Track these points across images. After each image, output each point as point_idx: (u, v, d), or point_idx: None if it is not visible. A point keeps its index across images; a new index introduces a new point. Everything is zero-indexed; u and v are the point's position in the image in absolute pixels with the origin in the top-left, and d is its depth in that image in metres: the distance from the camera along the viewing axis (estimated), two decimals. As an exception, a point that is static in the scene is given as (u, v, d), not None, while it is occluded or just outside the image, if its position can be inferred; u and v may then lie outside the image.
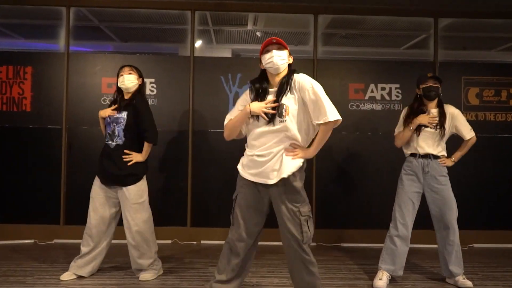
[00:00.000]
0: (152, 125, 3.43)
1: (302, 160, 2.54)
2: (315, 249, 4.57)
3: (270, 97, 2.60)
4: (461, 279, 3.39)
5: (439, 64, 4.91)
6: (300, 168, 2.54)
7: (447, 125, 3.51)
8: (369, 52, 6.59)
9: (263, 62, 2.63)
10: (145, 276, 3.34)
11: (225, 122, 2.75)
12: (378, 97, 4.87)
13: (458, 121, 3.55)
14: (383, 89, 4.88)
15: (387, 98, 4.87)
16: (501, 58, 6.25)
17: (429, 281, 3.53)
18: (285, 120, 2.51)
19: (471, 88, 4.92)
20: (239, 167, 2.69)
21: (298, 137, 2.54)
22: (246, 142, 2.80)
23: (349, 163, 4.84)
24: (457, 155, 3.61)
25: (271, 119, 2.53)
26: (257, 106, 2.56)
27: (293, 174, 2.50)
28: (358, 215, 4.83)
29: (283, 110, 2.51)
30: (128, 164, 3.32)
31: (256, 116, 2.58)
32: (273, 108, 2.53)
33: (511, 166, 4.88)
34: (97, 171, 3.46)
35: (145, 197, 3.42)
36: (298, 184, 2.52)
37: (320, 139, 2.56)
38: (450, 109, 3.57)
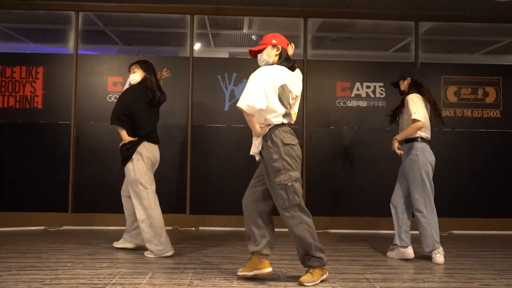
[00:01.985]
0: (114, 108, 3.68)
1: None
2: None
3: None
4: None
5: (419, 64, 5.30)
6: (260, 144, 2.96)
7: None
8: (358, 55, 6.98)
9: None
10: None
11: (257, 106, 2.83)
12: (364, 95, 5.26)
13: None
14: (368, 87, 5.27)
15: (372, 95, 5.26)
16: (485, 61, 6.63)
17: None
18: None
19: (449, 86, 5.31)
20: None
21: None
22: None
23: (337, 155, 5.22)
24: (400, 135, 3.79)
25: None
26: None
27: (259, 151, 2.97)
28: (346, 203, 5.20)
29: None
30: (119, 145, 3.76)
31: None
32: None
33: (487, 158, 5.25)
34: None
35: (137, 176, 3.65)
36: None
37: None
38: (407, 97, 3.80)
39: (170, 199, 5.08)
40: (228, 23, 5.81)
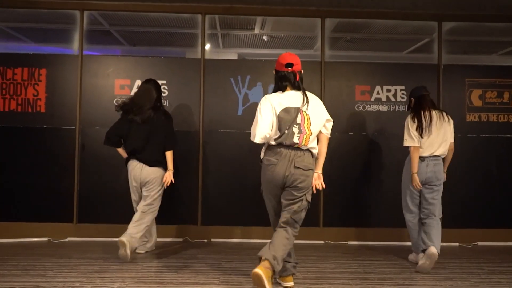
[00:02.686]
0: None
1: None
2: (323, 246, 4.68)
3: None
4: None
5: (443, 66, 5.04)
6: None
7: None
8: (373, 56, 6.74)
9: None
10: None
11: None
12: (384, 99, 5.00)
13: None
14: (388, 90, 5.01)
15: (393, 99, 5.00)
16: (503, 62, 6.39)
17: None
18: None
19: (474, 90, 5.04)
20: None
21: None
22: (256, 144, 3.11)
23: (356, 163, 4.96)
24: None
25: None
26: None
27: None
28: (365, 213, 4.93)
29: None
30: None
31: None
32: None
33: (514, 166, 5.00)
34: None
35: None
36: None
37: None
38: None
39: (181, 209, 4.81)
40: (239, 23, 5.54)
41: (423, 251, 3.73)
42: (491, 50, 6.49)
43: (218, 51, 6.76)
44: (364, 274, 3.61)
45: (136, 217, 3.87)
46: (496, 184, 4.99)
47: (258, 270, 2.72)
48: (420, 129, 3.85)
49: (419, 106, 3.93)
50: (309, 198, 3.06)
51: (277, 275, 3.16)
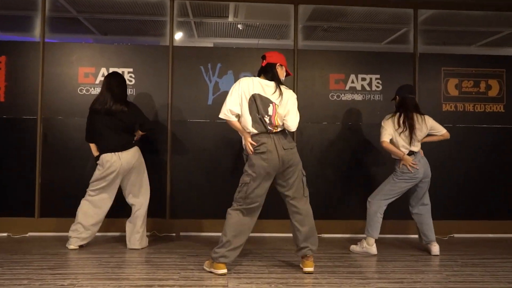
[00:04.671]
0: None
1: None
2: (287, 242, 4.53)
3: None
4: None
5: (418, 55, 4.92)
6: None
7: None
8: (351, 46, 6.60)
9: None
10: None
11: None
12: (359, 88, 4.86)
13: None
14: (363, 79, 4.87)
15: (368, 88, 4.86)
16: (485, 52, 6.30)
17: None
18: None
19: (450, 79, 4.94)
20: None
21: None
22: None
23: (330, 154, 4.82)
24: None
25: None
26: None
27: None
28: (340, 205, 4.80)
29: None
30: None
31: None
32: None
33: (490, 156, 4.91)
34: None
35: None
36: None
37: None
38: None
39: (149, 202, 4.62)
40: (212, 10, 5.36)
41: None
42: (470, 42, 6.41)
43: (194, 41, 6.56)
44: (334, 267, 3.47)
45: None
46: (472, 176, 4.89)
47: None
48: (397, 131, 3.94)
49: (402, 108, 3.96)
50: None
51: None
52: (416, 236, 4.23)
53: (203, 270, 3.27)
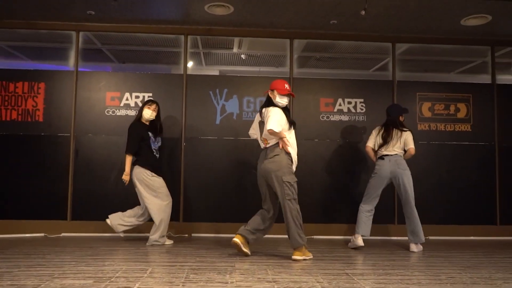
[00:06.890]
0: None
1: None
2: (286, 241, 5.25)
3: None
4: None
5: (397, 82, 5.74)
6: None
7: None
8: (341, 74, 7.43)
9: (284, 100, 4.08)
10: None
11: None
12: (345, 110, 5.67)
13: None
14: (349, 103, 5.69)
15: (353, 110, 5.67)
16: (458, 80, 7.10)
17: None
18: None
19: (424, 102, 5.74)
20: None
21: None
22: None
23: (320, 166, 5.59)
24: None
25: None
26: None
27: None
28: (329, 211, 5.55)
29: None
30: None
31: None
32: None
33: (459, 169, 5.67)
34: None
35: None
36: None
37: None
38: None
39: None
40: (219, 42, 6.20)
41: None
42: (449, 69, 7.22)
43: (201, 68, 7.39)
44: (321, 257, 4.18)
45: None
46: (445, 185, 5.65)
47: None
48: (379, 140, 4.82)
49: (384, 124, 4.87)
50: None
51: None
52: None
53: (295, 262, 3.94)
